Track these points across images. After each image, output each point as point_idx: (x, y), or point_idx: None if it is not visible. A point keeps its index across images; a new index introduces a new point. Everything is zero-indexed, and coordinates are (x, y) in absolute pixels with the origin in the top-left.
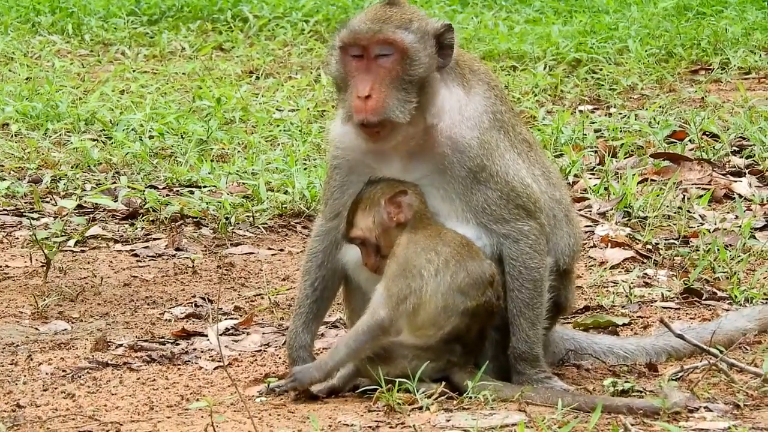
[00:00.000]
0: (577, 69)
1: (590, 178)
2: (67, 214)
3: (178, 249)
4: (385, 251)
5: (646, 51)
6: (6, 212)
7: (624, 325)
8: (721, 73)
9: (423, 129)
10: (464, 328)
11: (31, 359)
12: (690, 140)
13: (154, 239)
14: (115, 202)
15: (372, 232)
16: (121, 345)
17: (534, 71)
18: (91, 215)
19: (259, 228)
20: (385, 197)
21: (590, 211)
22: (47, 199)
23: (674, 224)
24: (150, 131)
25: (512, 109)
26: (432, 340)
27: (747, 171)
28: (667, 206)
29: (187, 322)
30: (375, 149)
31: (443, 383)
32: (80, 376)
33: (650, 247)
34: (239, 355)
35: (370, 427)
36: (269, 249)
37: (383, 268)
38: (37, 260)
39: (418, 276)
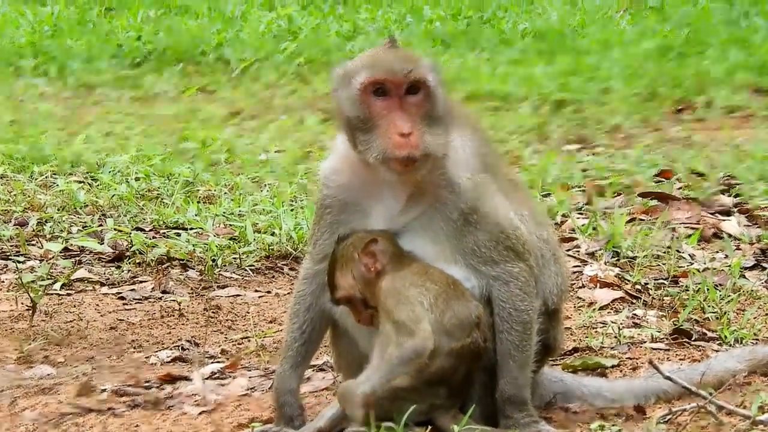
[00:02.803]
0: (561, 109)
1: (578, 218)
2: (53, 257)
3: (164, 291)
4: (372, 302)
5: (630, 90)
6: None
7: (613, 366)
8: (706, 112)
9: (437, 168)
10: (449, 369)
11: (15, 405)
12: (677, 179)
13: (141, 282)
14: (101, 244)
15: (354, 288)
16: (105, 390)
17: (519, 111)
18: (78, 258)
19: (245, 270)
20: (357, 251)
21: (578, 251)
22: (33, 242)
23: (663, 264)
24: (136, 173)
25: (495, 151)
26: (417, 381)
27: (735, 210)
28: (656, 246)
29: (173, 365)
30: (396, 182)
31: (429, 427)
32: (64, 422)
33: (639, 287)
34: (225, 399)
35: None
36: (256, 291)
37: (376, 319)
38: (22, 304)
39: (419, 304)
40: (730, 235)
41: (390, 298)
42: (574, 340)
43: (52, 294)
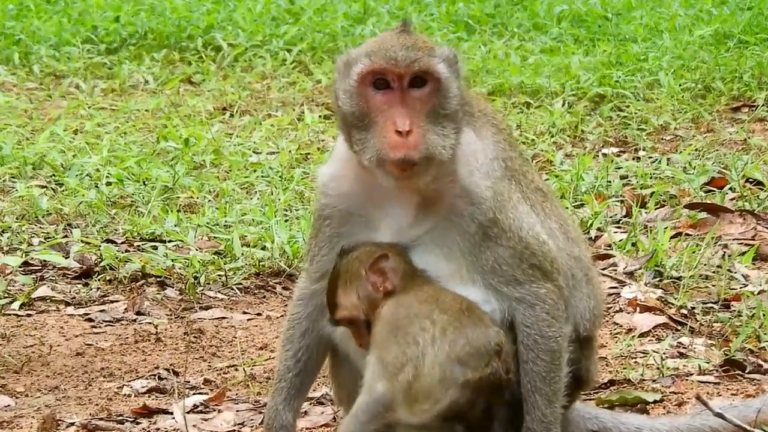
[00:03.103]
0: (600, 106)
1: (615, 233)
2: (11, 273)
3: (138, 313)
4: (375, 322)
5: (680, 85)
6: None
7: (655, 402)
8: (767, 111)
9: (446, 174)
10: (465, 403)
11: None
12: (731, 188)
13: (112, 302)
14: (66, 258)
15: (358, 308)
16: (72, 424)
17: (551, 108)
18: (39, 274)
19: (232, 289)
20: (364, 266)
21: (615, 270)
22: None
23: (713, 285)
24: (107, 177)
25: (522, 155)
26: (428, 416)
27: None
28: (705, 265)
29: (149, 397)
30: (397, 189)
31: None
32: None
33: (685, 311)
34: None
35: None
36: (244, 313)
37: None
38: None
39: (413, 343)
40: None
41: (386, 329)
42: (611, 372)
43: (10, 314)
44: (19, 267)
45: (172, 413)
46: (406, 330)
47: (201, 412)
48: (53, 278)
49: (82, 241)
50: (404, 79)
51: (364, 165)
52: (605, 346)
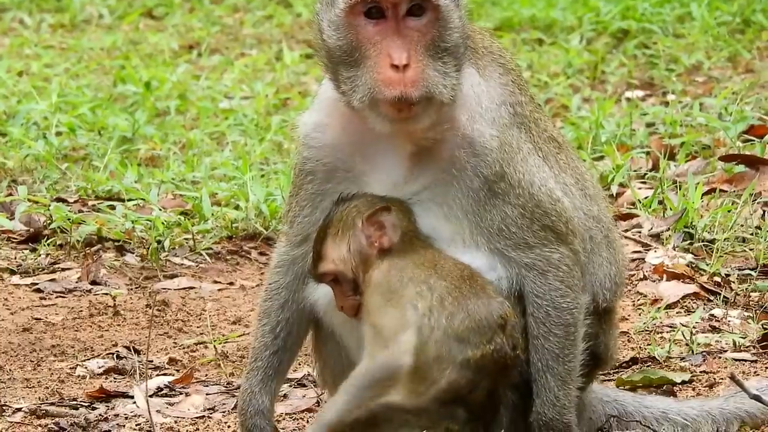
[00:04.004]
0: (623, 42)
1: (640, 189)
2: None
3: (94, 282)
4: (365, 288)
5: (715, 18)
6: None
7: (683, 383)
8: None
9: (445, 119)
10: (466, 385)
11: None
12: None
13: (63, 269)
14: (11, 220)
15: (347, 263)
16: (19, 409)
17: (566, 46)
18: None
19: (201, 255)
20: (361, 216)
21: (640, 232)
22: None
23: (750, 250)
24: (57, 126)
25: (533, 99)
26: (424, 399)
27: None
28: (742, 226)
29: (106, 379)
30: (392, 136)
31: None
32: None
33: (719, 279)
34: (176, 422)
35: None
36: (215, 282)
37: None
38: None
39: (410, 308)
40: None
41: (378, 293)
42: (633, 349)
43: None
44: None
45: (132, 397)
46: (401, 293)
47: (166, 395)
48: None
49: (28, 200)
50: (400, 6)
51: (354, 107)
52: (627, 319)
